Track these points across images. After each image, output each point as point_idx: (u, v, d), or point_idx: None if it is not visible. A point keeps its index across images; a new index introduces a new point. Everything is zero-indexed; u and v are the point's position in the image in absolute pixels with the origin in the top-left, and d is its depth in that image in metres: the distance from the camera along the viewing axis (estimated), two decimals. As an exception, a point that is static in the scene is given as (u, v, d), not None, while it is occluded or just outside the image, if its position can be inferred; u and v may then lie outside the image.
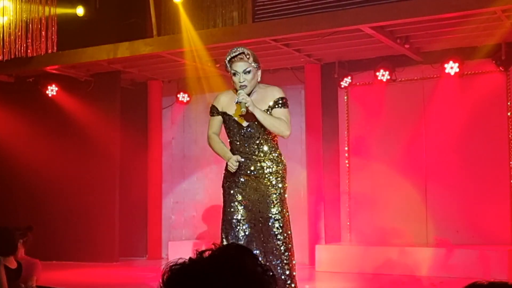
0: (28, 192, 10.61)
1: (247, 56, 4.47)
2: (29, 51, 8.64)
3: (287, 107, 4.58)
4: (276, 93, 4.57)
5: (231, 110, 4.64)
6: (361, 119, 9.50)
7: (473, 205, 8.66)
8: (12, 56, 8.75)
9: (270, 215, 4.57)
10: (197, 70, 9.55)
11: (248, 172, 4.62)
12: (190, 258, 1.41)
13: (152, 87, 10.86)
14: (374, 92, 9.36)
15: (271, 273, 1.39)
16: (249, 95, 4.53)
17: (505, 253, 7.77)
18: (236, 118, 4.62)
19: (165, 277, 1.42)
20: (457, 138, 8.84)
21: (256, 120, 4.49)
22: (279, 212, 4.58)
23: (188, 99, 10.69)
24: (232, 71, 4.51)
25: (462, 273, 7.64)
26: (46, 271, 6.94)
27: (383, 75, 9.02)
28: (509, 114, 8.60)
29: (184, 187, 10.80)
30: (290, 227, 4.71)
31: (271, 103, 4.55)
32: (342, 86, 9.47)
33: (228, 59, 4.53)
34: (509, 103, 8.60)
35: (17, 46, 8.58)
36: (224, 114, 4.70)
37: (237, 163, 4.53)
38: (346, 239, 9.43)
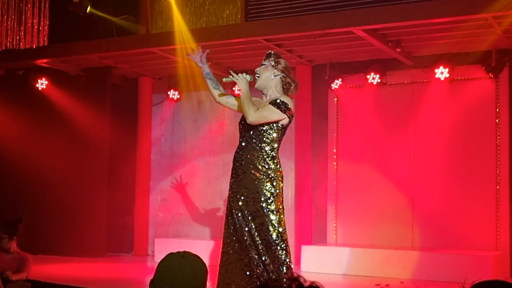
0: (15, 185, 10.55)
1: (271, 57, 4.95)
2: (21, 44, 8.58)
3: (276, 107, 4.74)
4: (278, 96, 4.81)
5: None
6: (351, 122, 9.52)
7: (459, 209, 8.71)
8: (4, 48, 8.70)
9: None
10: (189, 67, 9.53)
11: (238, 164, 4.84)
12: None
13: (143, 83, 10.84)
14: (364, 95, 9.39)
15: None
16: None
17: (489, 258, 7.83)
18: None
19: None
20: (445, 143, 8.89)
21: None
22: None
23: (178, 96, 10.68)
24: None
25: (446, 277, 7.69)
26: (32, 265, 6.92)
27: (373, 78, 9.04)
28: (497, 121, 8.65)
29: (172, 184, 10.79)
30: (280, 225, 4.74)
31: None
32: (333, 88, 9.49)
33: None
34: (498, 110, 8.65)
35: (8, 38, 8.52)
36: None
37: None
38: (333, 241, 9.46)
